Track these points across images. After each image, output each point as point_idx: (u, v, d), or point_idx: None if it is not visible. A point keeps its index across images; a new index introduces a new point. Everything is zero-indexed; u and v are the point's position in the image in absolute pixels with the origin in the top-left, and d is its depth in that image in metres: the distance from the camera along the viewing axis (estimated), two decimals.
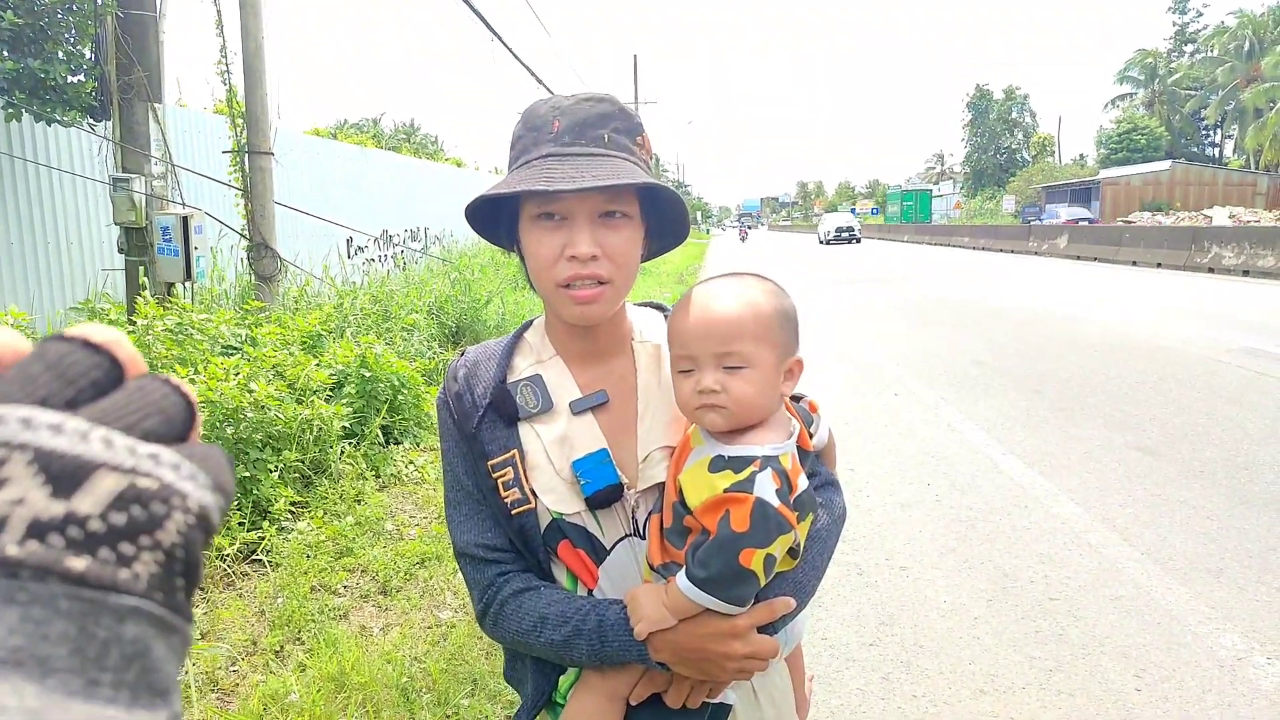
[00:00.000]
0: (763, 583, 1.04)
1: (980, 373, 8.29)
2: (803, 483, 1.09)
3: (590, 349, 1.22)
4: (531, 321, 1.30)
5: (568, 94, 1.17)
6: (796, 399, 1.24)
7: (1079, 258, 25.00)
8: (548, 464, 1.16)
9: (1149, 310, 12.50)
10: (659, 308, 1.36)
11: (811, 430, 1.21)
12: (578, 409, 1.19)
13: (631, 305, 1.32)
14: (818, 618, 3.56)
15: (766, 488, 1.02)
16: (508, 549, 1.19)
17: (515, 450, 1.17)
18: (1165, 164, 45.50)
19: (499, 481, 1.16)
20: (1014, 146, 77.87)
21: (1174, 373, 7.87)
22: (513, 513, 1.16)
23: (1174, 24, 64.27)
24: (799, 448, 1.15)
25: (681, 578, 1.05)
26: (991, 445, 5.82)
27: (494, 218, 1.21)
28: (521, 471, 1.16)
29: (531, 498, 1.15)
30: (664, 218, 1.21)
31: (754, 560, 1.01)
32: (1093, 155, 67.80)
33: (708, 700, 1.14)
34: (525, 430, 1.18)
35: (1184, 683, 3.00)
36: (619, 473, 1.15)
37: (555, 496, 1.15)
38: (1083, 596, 3.65)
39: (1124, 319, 11.59)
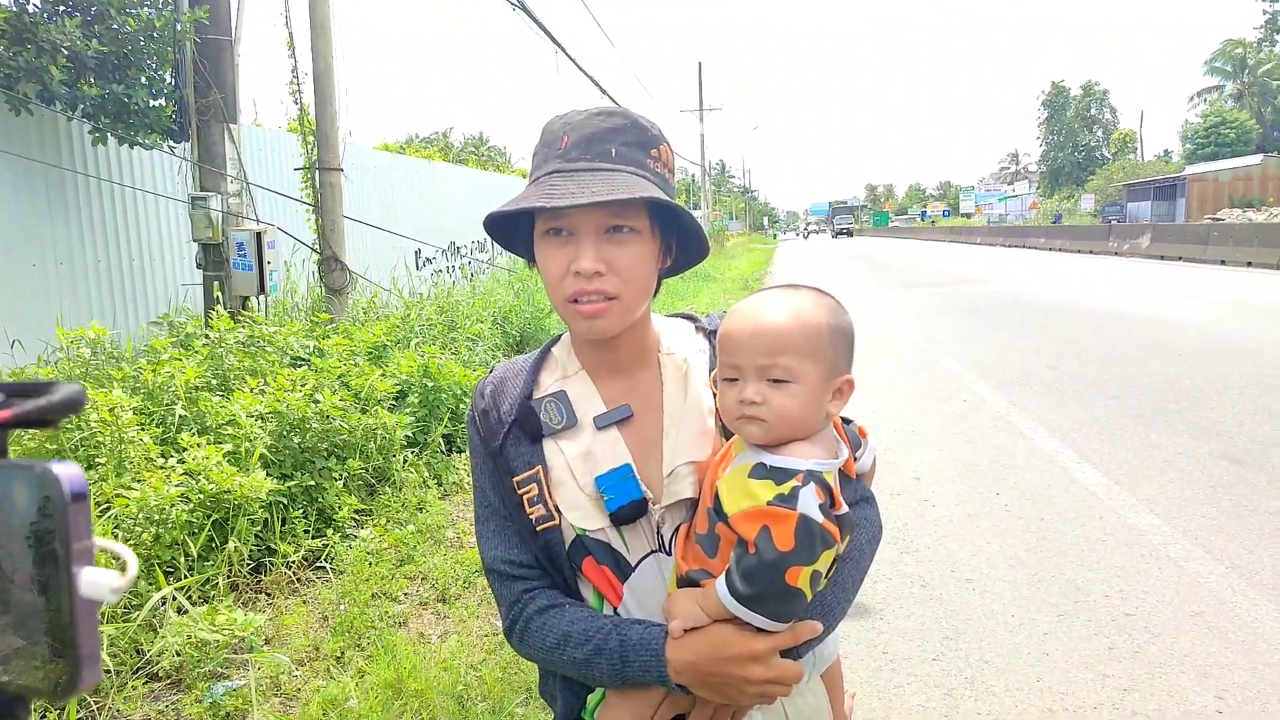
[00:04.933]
0: (809, 598, 1.02)
1: (1054, 378, 8.01)
2: (845, 504, 1.07)
3: (614, 362, 1.22)
4: (560, 336, 1.30)
5: (583, 109, 1.16)
6: (846, 422, 1.22)
7: (1162, 257, 24.05)
8: (571, 480, 1.16)
9: (1237, 311, 11.94)
10: (690, 318, 1.34)
11: (858, 455, 1.19)
12: (602, 424, 1.18)
13: (660, 316, 1.31)
14: (878, 630, 3.48)
15: (810, 503, 1.00)
16: (534, 565, 1.19)
17: (539, 466, 1.17)
18: (1256, 158, 43.45)
19: (524, 498, 1.17)
20: (1093, 144, 75.33)
21: (1264, 377, 7.48)
22: (537, 529, 1.16)
23: (1264, 12, 61.41)
24: (842, 472, 1.13)
25: (722, 589, 1.03)
26: (1065, 453, 5.62)
27: (514, 232, 1.22)
28: (545, 488, 1.16)
29: (555, 514, 1.15)
30: (686, 231, 1.19)
31: (800, 578, 1.00)
32: (1178, 151, 65.20)
33: None
34: (549, 446, 1.18)
35: (1269, 705, 2.83)
36: (643, 488, 1.14)
37: (579, 513, 1.15)
38: (1161, 612, 3.48)
39: (1210, 321, 11.09)
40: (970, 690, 3.04)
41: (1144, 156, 67.51)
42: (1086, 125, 75.85)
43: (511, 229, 1.21)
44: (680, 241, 1.20)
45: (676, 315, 1.34)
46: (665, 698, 1.10)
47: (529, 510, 1.16)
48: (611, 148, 1.11)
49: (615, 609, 1.16)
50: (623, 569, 1.15)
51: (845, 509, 1.06)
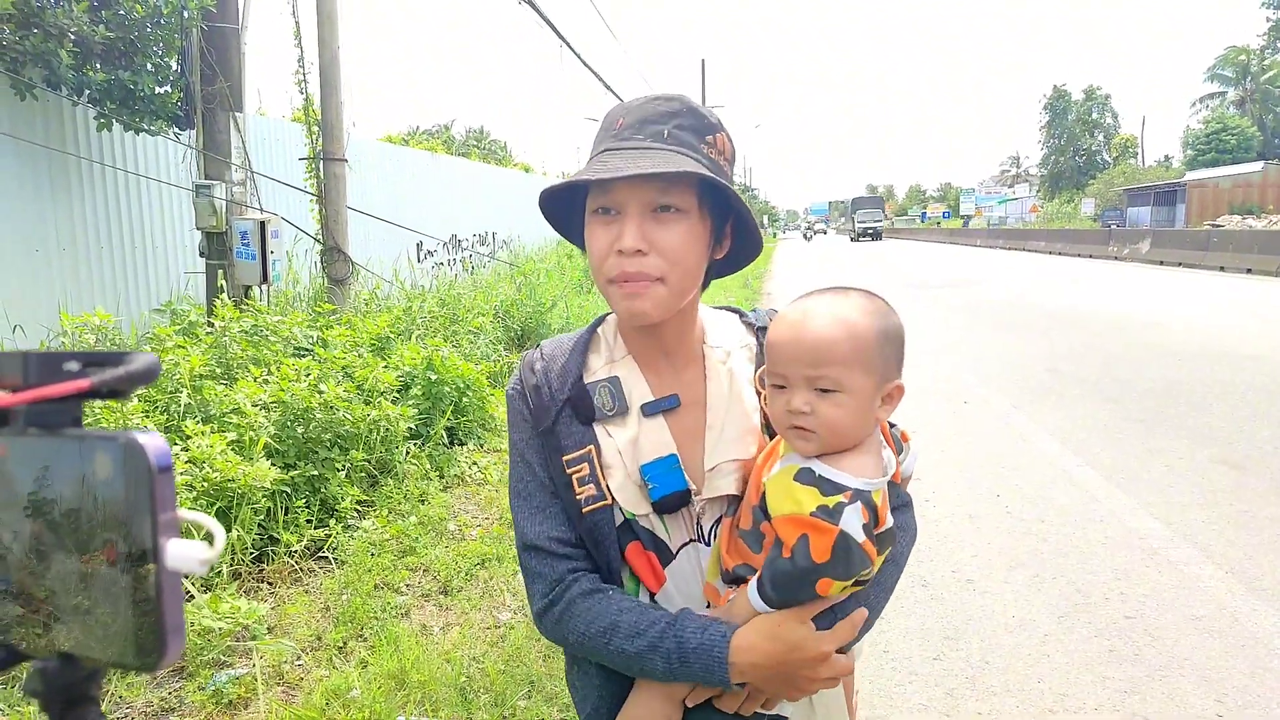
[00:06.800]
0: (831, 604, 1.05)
1: (1055, 381, 8.03)
2: (890, 520, 1.07)
3: (660, 350, 1.21)
4: (605, 316, 1.29)
5: (642, 95, 1.16)
6: (891, 425, 1.21)
7: (1162, 263, 24.08)
8: (620, 464, 1.15)
9: (1237, 317, 11.97)
10: (737, 312, 1.33)
11: (901, 460, 1.18)
12: (649, 411, 1.18)
13: (708, 308, 1.30)
14: (880, 629, 3.49)
15: (854, 522, 1.00)
16: (580, 545, 1.17)
17: (591, 446, 1.16)
18: (1257, 165, 43.43)
19: (573, 477, 1.15)
20: (1094, 148, 75.30)
21: (1263, 383, 7.50)
22: (584, 510, 1.14)
23: (1268, 19, 61.40)
24: (891, 480, 1.13)
25: (754, 595, 1.05)
26: (1066, 456, 5.63)
27: (569, 216, 1.21)
28: (598, 468, 1.15)
29: (608, 494, 1.14)
30: (740, 220, 1.17)
31: (832, 590, 1.01)
32: (1179, 157, 65.20)
33: (761, 712, 1.13)
34: (599, 429, 1.18)
35: (1269, 709, 2.85)
36: (687, 479, 1.14)
37: (625, 497, 1.15)
38: (1161, 615, 3.50)
39: (1209, 326, 11.11)
40: (971, 690, 3.06)
41: (1145, 162, 67.50)
42: (1088, 129, 75.79)
43: (567, 214, 1.20)
44: (735, 232, 1.18)
45: (723, 308, 1.33)
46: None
47: (578, 490, 1.15)
48: (665, 129, 1.10)
49: (653, 595, 1.16)
50: (664, 556, 1.16)
51: (889, 525, 1.06)
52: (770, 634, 1.03)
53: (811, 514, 1.00)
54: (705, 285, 1.20)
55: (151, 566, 0.39)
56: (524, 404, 1.21)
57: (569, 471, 1.15)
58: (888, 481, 1.13)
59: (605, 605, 1.11)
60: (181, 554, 0.39)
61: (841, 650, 1.08)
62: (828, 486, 1.02)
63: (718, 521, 1.16)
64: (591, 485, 1.14)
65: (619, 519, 1.15)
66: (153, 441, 0.39)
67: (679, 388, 1.20)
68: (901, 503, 1.20)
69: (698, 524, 1.16)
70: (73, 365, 0.41)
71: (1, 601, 0.42)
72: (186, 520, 0.42)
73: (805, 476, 1.03)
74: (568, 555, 1.16)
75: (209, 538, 0.40)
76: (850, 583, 1.03)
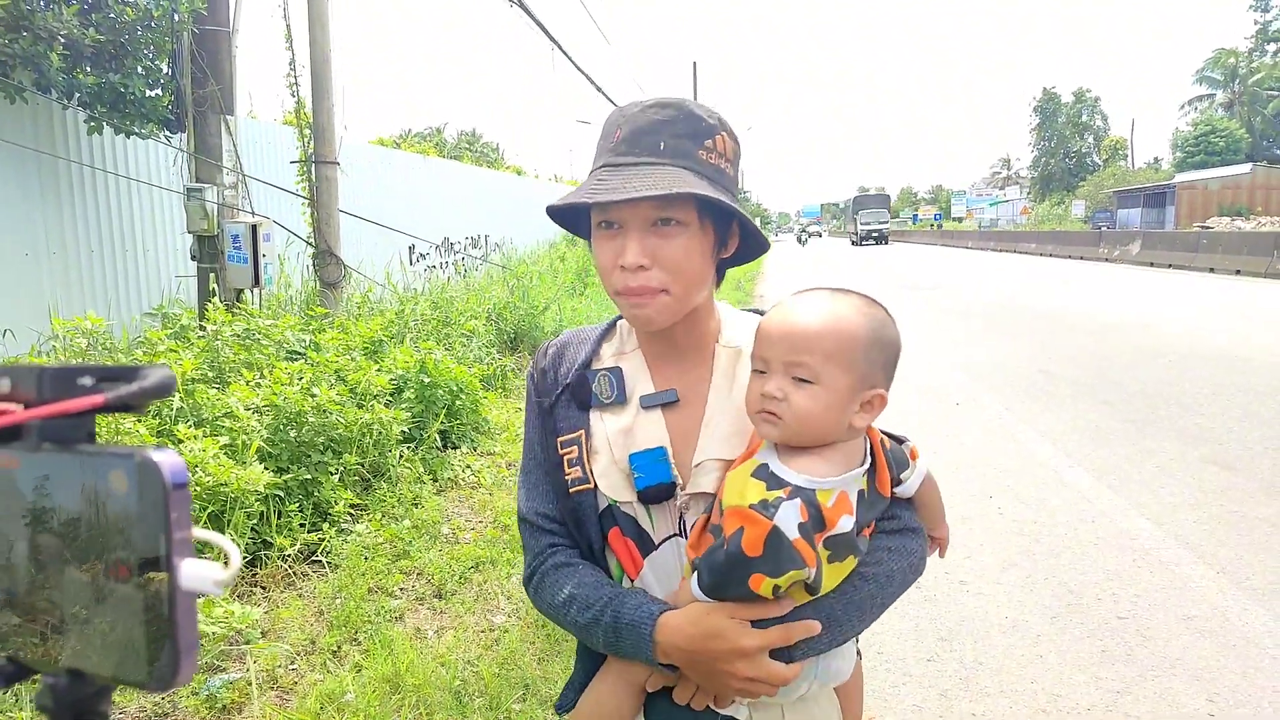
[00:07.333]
0: None
1: (1046, 382, 8.06)
2: (844, 524, 1.04)
3: (669, 347, 1.24)
4: None
5: (640, 101, 1.16)
6: (899, 441, 1.20)
7: (1152, 264, 24.19)
8: (608, 450, 1.19)
9: (1227, 319, 12.04)
10: (762, 314, 1.34)
11: (902, 476, 1.17)
12: (647, 404, 1.21)
13: (732, 309, 1.32)
14: (873, 630, 3.47)
15: (789, 519, 1.00)
16: (564, 523, 1.23)
17: (582, 431, 1.21)
18: (1246, 167, 43.72)
19: (564, 458, 1.20)
20: (1084, 150, 75.63)
21: (1254, 384, 7.55)
22: (570, 490, 1.19)
23: (1255, 22, 61.79)
24: (878, 492, 1.11)
25: (694, 582, 1.06)
26: (1058, 457, 5.65)
27: (575, 218, 1.24)
28: (585, 453, 1.19)
29: (591, 478, 1.18)
30: (743, 223, 1.19)
31: (763, 586, 1.01)
32: (1168, 159, 65.57)
33: (715, 709, 1.13)
34: (594, 416, 1.22)
35: (1260, 708, 2.87)
36: (674, 472, 1.16)
37: (609, 483, 1.18)
38: (1153, 615, 3.51)
39: (1200, 328, 11.17)
40: (965, 691, 3.07)
41: (1134, 164, 67.78)
42: (1078, 132, 76.10)
43: (573, 216, 1.23)
44: (742, 229, 1.20)
45: (751, 310, 1.34)
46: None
47: (567, 471, 1.20)
48: (660, 141, 1.11)
49: (634, 582, 1.19)
50: (645, 545, 1.18)
51: (842, 530, 1.04)
52: (695, 619, 1.06)
53: (751, 506, 1.01)
54: (719, 281, 1.22)
55: (166, 585, 0.38)
56: (532, 385, 1.29)
57: (561, 452, 1.21)
58: (880, 496, 1.12)
59: (569, 578, 1.18)
60: (196, 574, 0.38)
61: (783, 656, 1.06)
62: (773, 482, 1.03)
63: None
64: (578, 468, 1.19)
65: (602, 504, 1.19)
66: (168, 459, 0.39)
67: (683, 384, 1.22)
68: (905, 526, 1.19)
69: (681, 519, 1.18)
70: (87, 380, 0.41)
71: (11, 616, 0.42)
72: (201, 539, 0.41)
73: (760, 472, 1.04)
74: (552, 531, 1.23)
75: (224, 558, 0.39)
76: (785, 585, 1.01)
